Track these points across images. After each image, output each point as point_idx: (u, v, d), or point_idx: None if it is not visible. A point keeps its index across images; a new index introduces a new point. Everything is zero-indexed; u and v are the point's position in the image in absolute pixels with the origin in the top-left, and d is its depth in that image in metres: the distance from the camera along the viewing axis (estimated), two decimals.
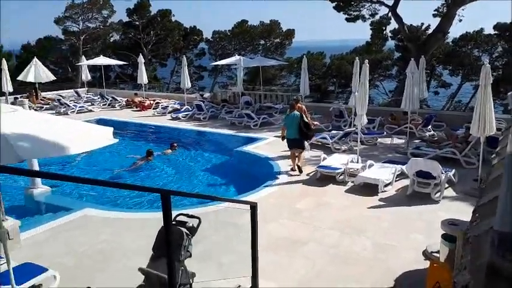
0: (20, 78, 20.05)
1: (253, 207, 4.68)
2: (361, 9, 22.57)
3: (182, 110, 18.46)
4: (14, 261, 5.37)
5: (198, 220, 5.32)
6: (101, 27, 37.62)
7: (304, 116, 10.43)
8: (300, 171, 9.95)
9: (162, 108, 19.32)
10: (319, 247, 6.45)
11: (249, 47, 40.44)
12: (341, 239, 6.74)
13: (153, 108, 19.80)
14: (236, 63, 19.53)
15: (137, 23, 38.28)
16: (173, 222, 5.59)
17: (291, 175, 9.95)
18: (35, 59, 20.55)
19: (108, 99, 21.21)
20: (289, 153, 10.52)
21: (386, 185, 8.71)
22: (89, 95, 22.69)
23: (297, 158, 10.09)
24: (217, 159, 12.84)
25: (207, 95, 21.62)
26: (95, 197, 8.95)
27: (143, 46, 38.21)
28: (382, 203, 8.19)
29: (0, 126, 3.97)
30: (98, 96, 21.99)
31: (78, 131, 4.52)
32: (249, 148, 12.57)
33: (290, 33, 39.15)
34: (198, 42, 41.06)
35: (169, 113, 18.76)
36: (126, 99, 21.29)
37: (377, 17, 24.77)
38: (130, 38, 38.90)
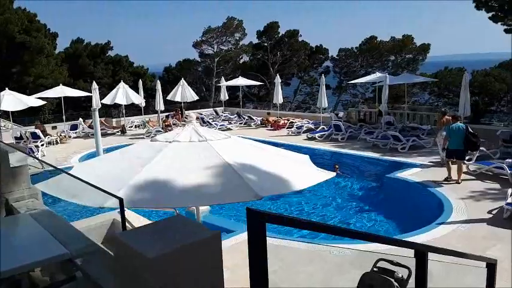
0: (169, 97, 21.93)
1: (492, 265, 3.76)
2: None
3: (318, 129, 18.01)
4: None
5: (407, 270, 4.55)
6: (233, 49, 39.84)
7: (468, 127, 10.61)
8: (458, 182, 10.24)
9: (296, 127, 19.15)
10: None
11: (377, 64, 38.78)
12: None
13: (287, 128, 19.78)
14: (379, 80, 18.46)
15: (266, 44, 39.63)
16: (374, 269, 4.93)
17: (468, 213, 8.57)
18: (182, 80, 22.33)
19: (244, 118, 21.89)
20: (453, 183, 10.29)
21: None
22: (226, 114, 23.78)
23: (457, 169, 10.32)
24: (366, 185, 11.94)
25: (341, 114, 20.89)
26: None
27: (270, 66, 39.35)
28: None
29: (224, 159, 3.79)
30: (235, 115, 22.87)
31: (294, 163, 4.19)
32: (405, 175, 11.39)
33: (425, 47, 36.47)
34: (323, 60, 40.83)
35: (304, 132, 18.49)
36: (261, 118, 21.71)
37: None
38: (259, 59, 40.40)
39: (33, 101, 18.10)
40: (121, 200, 2.12)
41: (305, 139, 17.54)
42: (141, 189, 3.50)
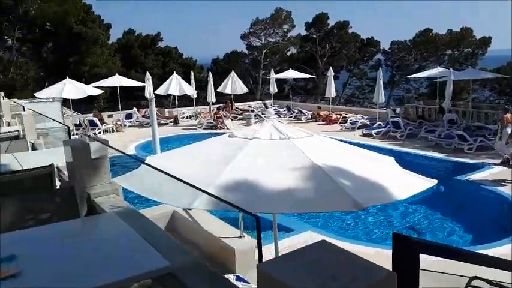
0: (219, 89, 21.85)
1: None
2: None
3: (374, 126, 17.23)
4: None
5: None
6: (280, 41, 39.29)
7: None
8: None
9: (350, 123, 18.44)
10: None
11: (432, 58, 36.95)
12: None
13: (340, 123, 19.11)
14: (440, 75, 17.37)
15: (314, 36, 38.78)
16: None
17: None
18: (232, 72, 22.18)
19: (294, 112, 21.44)
20: None
21: None
22: (275, 107, 23.42)
23: None
24: (433, 188, 11.11)
25: (398, 110, 19.92)
26: (316, 220, 8.43)
27: (318, 59, 38.49)
28: None
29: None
30: (284, 109, 22.45)
31: (387, 167, 3.75)
32: (476, 177, 10.54)
33: (485, 41, 34.20)
34: (374, 53, 39.42)
35: (358, 128, 17.77)
36: (311, 112, 21.17)
37: None
38: (306, 51, 39.62)
39: (91, 90, 18.62)
40: (258, 219, 1.77)
41: (360, 135, 16.83)
42: (230, 190, 3.22)
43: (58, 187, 4.04)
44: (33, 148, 6.19)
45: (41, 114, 7.05)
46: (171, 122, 19.60)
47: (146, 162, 4.29)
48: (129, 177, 3.86)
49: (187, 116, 21.25)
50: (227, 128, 18.30)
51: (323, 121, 19.95)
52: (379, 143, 15.38)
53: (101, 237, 2.58)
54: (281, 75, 24.84)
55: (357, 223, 8.75)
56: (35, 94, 18.30)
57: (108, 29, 36.85)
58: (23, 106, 8.08)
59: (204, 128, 18.43)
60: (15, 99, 13.60)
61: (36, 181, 3.74)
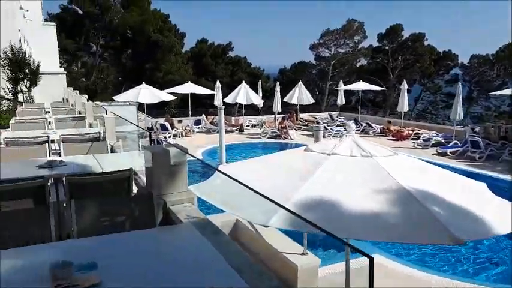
0: (285, 99, 21.79)
1: None
2: None
3: (450, 144, 16.08)
4: None
5: None
6: (350, 52, 38.48)
7: None
8: None
9: (423, 140, 17.38)
10: None
11: None
12: None
13: (412, 139, 18.10)
14: None
15: (387, 47, 37.49)
16: None
17: None
18: (300, 83, 22.01)
19: (361, 125, 20.72)
20: None
21: None
22: (341, 119, 22.85)
23: None
24: None
25: (477, 128, 18.45)
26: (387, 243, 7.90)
27: (390, 71, 37.11)
28: None
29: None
30: (352, 121, 21.78)
31: (481, 194, 3.35)
32: None
33: None
34: (451, 67, 37.18)
35: (432, 146, 16.69)
36: (381, 126, 20.31)
37: None
38: (377, 63, 38.38)
39: (165, 95, 19.49)
40: (371, 260, 1.58)
41: (434, 154, 15.78)
42: (309, 209, 3.04)
43: (135, 192, 4.12)
44: (112, 150, 6.46)
45: (121, 117, 7.39)
46: (236, 129, 19.84)
47: (220, 171, 4.25)
48: (201, 185, 3.83)
49: (252, 125, 21.41)
50: (291, 139, 18.16)
51: (393, 136, 19.04)
52: (456, 164, 14.29)
53: (179, 250, 2.53)
54: (351, 87, 24.20)
55: (435, 252, 8.07)
56: (113, 97, 19.53)
57: (183, 37, 38.55)
58: (105, 109, 8.54)
59: (268, 137, 18.42)
60: (98, 102, 14.55)
61: (115, 184, 3.83)
